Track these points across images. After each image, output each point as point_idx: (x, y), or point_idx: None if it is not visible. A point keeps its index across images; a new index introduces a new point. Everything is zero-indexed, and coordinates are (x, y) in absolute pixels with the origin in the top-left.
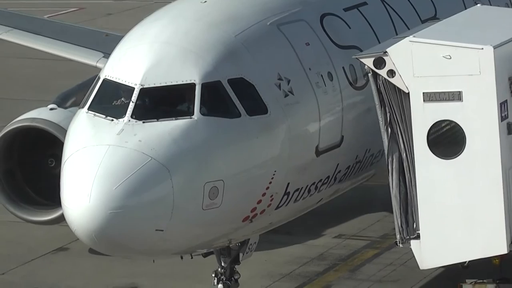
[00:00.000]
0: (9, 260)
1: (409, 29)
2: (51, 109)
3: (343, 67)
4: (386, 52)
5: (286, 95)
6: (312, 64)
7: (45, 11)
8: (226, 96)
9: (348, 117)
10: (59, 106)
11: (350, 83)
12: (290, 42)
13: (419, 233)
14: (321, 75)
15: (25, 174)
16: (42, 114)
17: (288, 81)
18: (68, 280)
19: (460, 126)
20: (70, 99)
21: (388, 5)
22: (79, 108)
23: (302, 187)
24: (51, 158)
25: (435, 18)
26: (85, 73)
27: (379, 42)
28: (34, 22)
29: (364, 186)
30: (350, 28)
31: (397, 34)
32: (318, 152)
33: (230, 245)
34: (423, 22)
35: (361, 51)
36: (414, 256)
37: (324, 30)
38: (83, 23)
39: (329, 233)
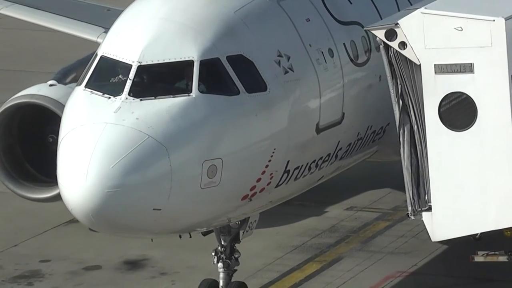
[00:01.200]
0: (21, 232)
1: (411, 4)
2: (51, 85)
3: (344, 44)
4: (397, 24)
5: (286, 72)
6: (312, 40)
7: None
8: (225, 73)
9: (349, 94)
10: (59, 82)
11: (351, 60)
12: (290, 18)
13: (430, 205)
14: (322, 52)
15: (25, 150)
16: (41, 90)
17: (288, 58)
18: (80, 251)
19: (471, 98)
20: (70, 75)
21: None
22: (76, 86)
23: (302, 165)
24: (51, 134)
25: None
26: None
27: (381, 18)
28: None
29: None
30: (351, 3)
31: (399, 10)
32: (319, 130)
33: (230, 224)
34: None
35: (363, 27)
36: (425, 228)
37: (325, 6)
38: None
39: (340, 205)
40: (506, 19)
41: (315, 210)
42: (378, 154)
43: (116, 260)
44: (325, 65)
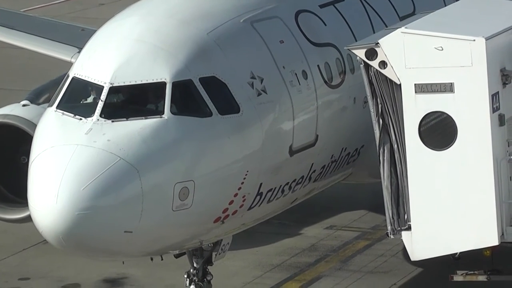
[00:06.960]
0: (0, 250)
1: (386, 26)
2: (24, 105)
3: (318, 65)
4: (378, 43)
5: (259, 94)
6: (286, 62)
7: (38, 1)
8: (197, 95)
9: (323, 116)
10: (32, 102)
11: (325, 82)
12: (264, 39)
13: (410, 225)
14: (295, 74)
15: None
16: (14, 110)
17: (261, 80)
18: (60, 270)
19: (451, 118)
20: (43, 95)
21: (365, 1)
22: (48, 107)
23: (275, 187)
24: (23, 155)
25: (413, 14)
26: None
27: (356, 40)
28: (9, 16)
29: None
30: (326, 25)
31: (374, 31)
32: (292, 152)
33: (202, 246)
34: (401, 19)
35: (337, 49)
36: (405, 247)
37: (299, 27)
38: (75, 13)
39: (320, 224)
40: (486, 39)
41: (294, 229)
42: (352, 176)
43: (95, 278)
44: (299, 87)
